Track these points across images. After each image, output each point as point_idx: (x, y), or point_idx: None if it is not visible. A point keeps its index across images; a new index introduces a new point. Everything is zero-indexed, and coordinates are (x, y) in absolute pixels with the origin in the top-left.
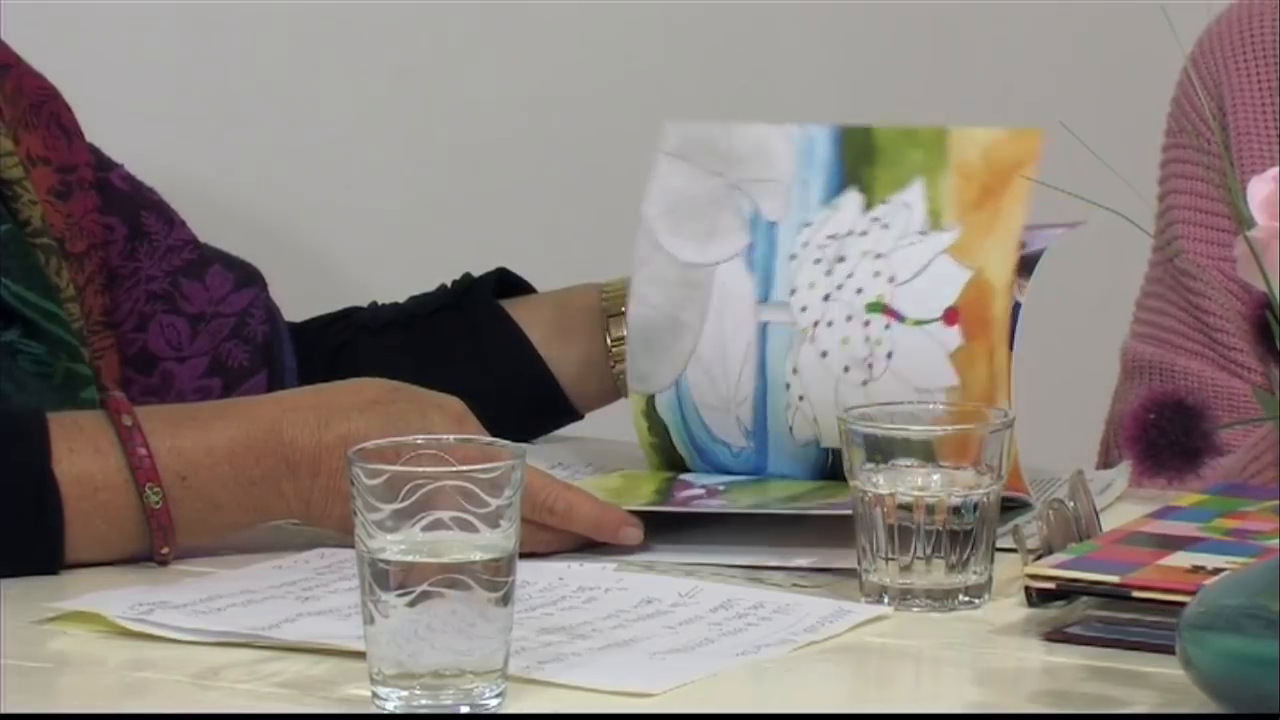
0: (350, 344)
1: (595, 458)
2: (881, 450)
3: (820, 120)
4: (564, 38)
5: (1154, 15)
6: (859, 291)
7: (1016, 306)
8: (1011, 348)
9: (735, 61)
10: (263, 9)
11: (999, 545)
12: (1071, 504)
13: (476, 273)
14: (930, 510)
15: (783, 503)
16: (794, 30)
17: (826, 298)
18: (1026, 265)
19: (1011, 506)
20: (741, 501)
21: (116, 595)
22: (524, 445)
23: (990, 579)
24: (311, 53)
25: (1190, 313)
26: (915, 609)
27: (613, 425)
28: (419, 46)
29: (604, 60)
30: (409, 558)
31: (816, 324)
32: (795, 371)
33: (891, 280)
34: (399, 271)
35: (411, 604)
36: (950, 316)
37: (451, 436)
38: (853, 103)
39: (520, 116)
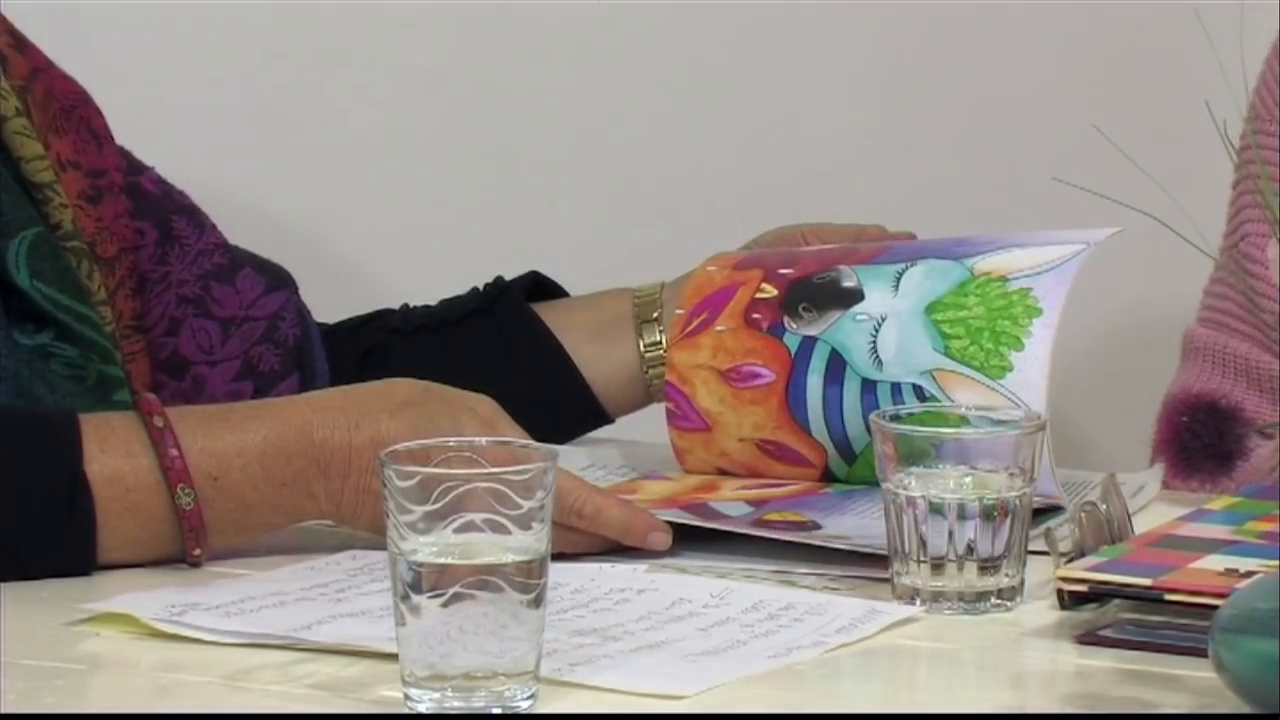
0: (381, 346)
1: (626, 460)
2: (914, 452)
3: (850, 122)
4: (594, 40)
5: (1187, 18)
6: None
7: None
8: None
9: (764, 64)
10: (292, 12)
11: (1031, 548)
12: (1104, 507)
13: (507, 276)
14: (962, 512)
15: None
16: (825, 32)
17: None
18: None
19: (1044, 509)
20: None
21: (148, 597)
22: (556, 447)
23: (1022, 581)
24: (342, 55)
25: (1248, 295)
26: (947, 611)
27: (644, 427)
28: (449, 49)
29: (633, 63)
30: (441, 560)
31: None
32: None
33: None
34: (429, 274)
35: (443, 606)
36: None
37: (484, 439)
38: (882, 106)
39: (550, 119)
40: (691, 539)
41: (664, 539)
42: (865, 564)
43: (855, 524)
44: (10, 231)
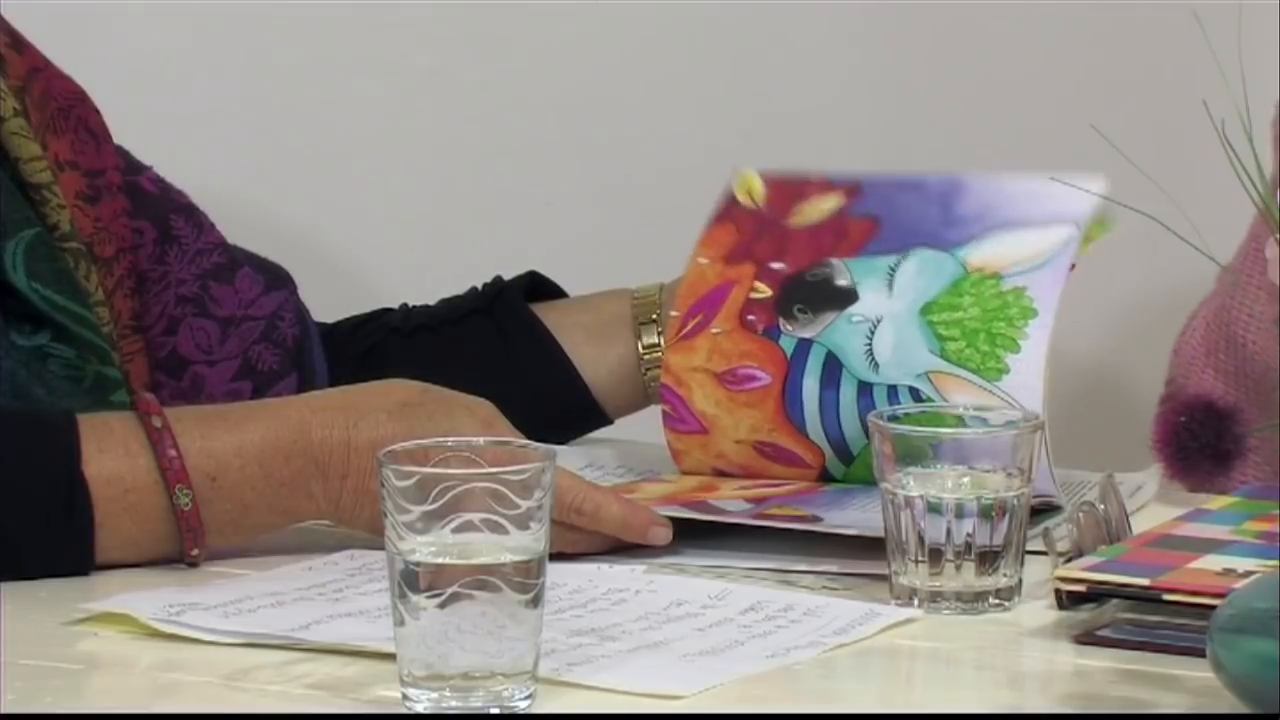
0: (380, 346)
1: (624, 460)
2: (912, 452)
3: (849, 123)
4: (594, 40)
5: (1186, 18)
6: None
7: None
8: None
9: (764, 63)
10: (293, 11)
11: (1029, 548)
12: (1102, 507)
13: (507, 275)
14: (960, 512)
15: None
16: (825, 32)
17: None
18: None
19: (1042, 509)
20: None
21: (147, 596)
22: (554, 447)
23: (1020, 581)
24: (341, 54)
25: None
26: (945, 611)
27: (642, 428)
28: (448, 49)
29: (633, 63)
30: (439, 559)
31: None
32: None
33: None
34: (429, 274)
35: (441, 606)
36: None
37: (481, 439)
38: (881, 105)
39: (550, 119)
40: (692, 536)
41: (664, 534)
42: (865, 561)
43: (857, 516)
44: (7, 233)
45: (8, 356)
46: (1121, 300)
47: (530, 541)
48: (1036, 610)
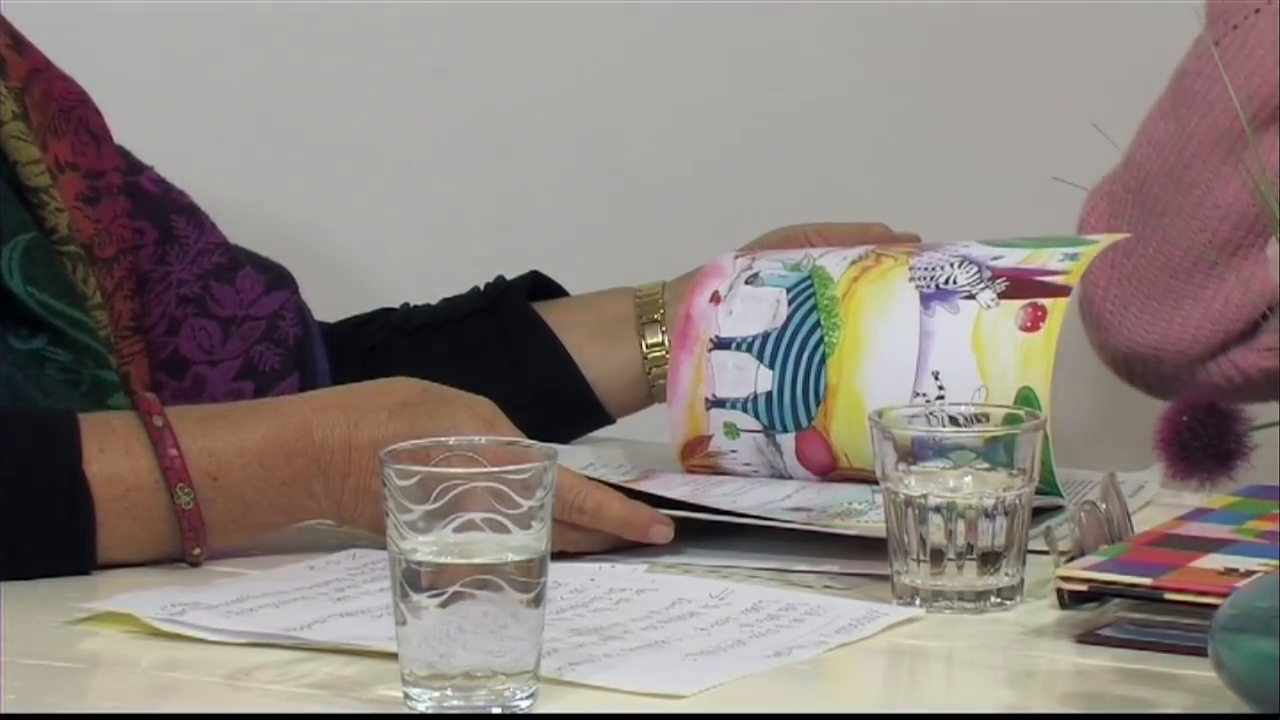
0: (383, 346)
1: (627, 458)
2: (913, 452)
3: (850, 122)
4: (594, 39)
5: (1187, 17)
6: None
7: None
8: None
9: (764, 63)
10: (293, 12)
11: (1031, 547)
12: (1104, 506)
13: (509, 275)
14: (962, 512)
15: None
16: (825, 31)
17: None
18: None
19: (1044, 508)
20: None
21: (148, 596)
22: (556, 446)
23: (1022, 581)
24: (341, 54)
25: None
26: (947, 610)
27: (645, 427)
28: (449, 48)
29: (634, 62)
30: (441, 559)
31: None
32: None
33: None
34: (430, 273)
35: (443, 605)
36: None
37: (483, 438)
38: (882, 105)
39: (551, 118)
40: (694, 535)
41: (666, 532)
42: (867, 561)
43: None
44: (4, 237)
45: (4, 360)
46: None
47: (532, 541)
48: (1038, 610)
